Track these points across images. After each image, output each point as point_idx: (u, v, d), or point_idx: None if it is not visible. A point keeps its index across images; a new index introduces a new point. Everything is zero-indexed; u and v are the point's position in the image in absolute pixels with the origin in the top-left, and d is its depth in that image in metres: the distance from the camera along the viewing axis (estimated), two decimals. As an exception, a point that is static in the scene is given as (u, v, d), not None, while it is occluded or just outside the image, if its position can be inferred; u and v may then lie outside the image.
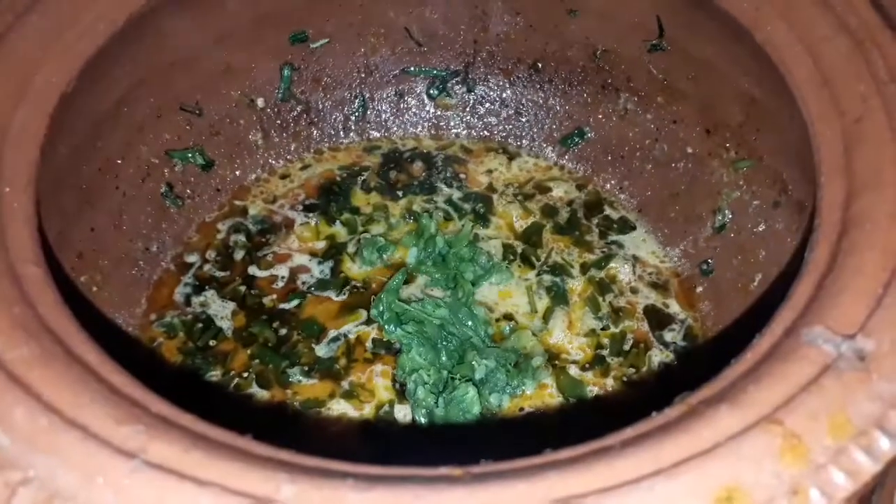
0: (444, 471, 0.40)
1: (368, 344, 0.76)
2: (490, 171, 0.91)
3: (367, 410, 0.72)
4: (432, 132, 0.94)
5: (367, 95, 0.92)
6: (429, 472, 0.40)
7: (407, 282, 0.80)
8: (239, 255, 0.82)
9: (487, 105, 0.94)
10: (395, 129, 0.94)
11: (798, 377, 0.42)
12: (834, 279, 0.47)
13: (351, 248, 0.83)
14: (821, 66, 0.60)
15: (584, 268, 0.83)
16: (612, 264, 0.83)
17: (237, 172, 0.88)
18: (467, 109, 0.94)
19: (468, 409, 0.70)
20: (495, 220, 0.86)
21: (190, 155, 0.83)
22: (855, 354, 0.43)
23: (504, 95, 0.93)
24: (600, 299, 0.80)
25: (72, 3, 0.63)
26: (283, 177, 0.89)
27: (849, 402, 0.41)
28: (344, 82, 0.91)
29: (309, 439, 0.70)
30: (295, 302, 0.79)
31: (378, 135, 0.94)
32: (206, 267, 0.82)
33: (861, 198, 0.52)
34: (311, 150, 0.91)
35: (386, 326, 0.76)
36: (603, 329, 0.78)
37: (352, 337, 0.77)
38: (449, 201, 0.87)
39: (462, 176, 0.90)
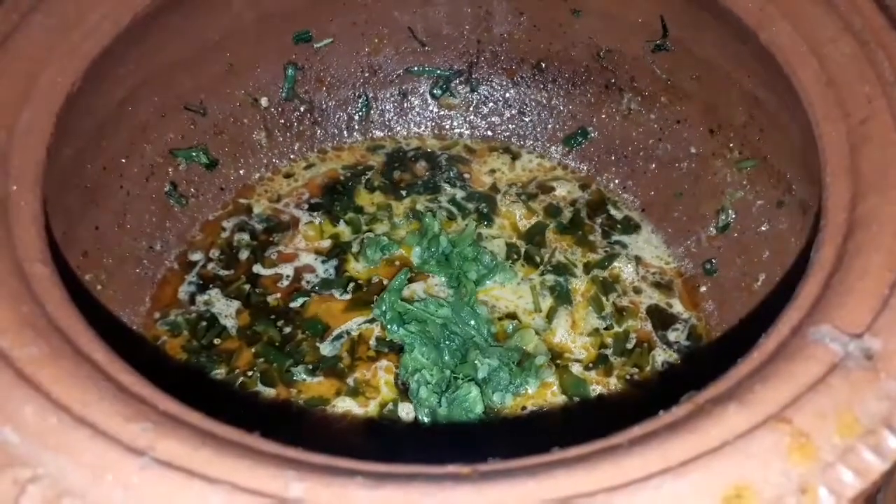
0: (451, 469, 0.40)
1: (372, 342, 0.76)
2: (493, 171, 0.91)
3: (372, 408, 0.72)
4: (436, 132, 0.94)
5: (371, 95, 0.92)
6: (437, 470, 0.40)
7: (410, 281, 0.80)
8: (244, 254, 0.82)
9: (491, 105, 0.94)
10: (399, 128, 0.94)
11: (806, 376, 0.42)
12: (840, 279, 0.47)
13: (354, 248, 0.83)
14: (826, 66, 0.60)
15: (588, 267, 0.83)
16: (615, 264, 0.83)
17: (241, 172, 0.88)
18: (471, 109, 0.94)
19: (471, 409, 0.70)
20: (499, 219, 0.86)
21: (194, 154, 0.83)
22: (862, 353, 0.43)
23: (507, 95, 0.93)
24: (604, 299, 0.80)
25: (77, 3, 0.63)
26: (288, 176, 0.89)
27: (857, 401, 0.41)
28: (347, 82, 0.91)
29: (314, 437, 0.70)
30: (299, 301, 0.79)
31: (382, 134, 0.94)
32: (210, 265, 0.82)
33: (867, 199, 0.52)
34: (315, 150, 0.91)
35: (388, 326, 0.76)
36: (606, 329, 0.78)
37: (355, 335, 0.77)
38: (452, 201, 0.87)
39: (466, 176, 0.90)
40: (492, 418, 0.72)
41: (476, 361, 0.72)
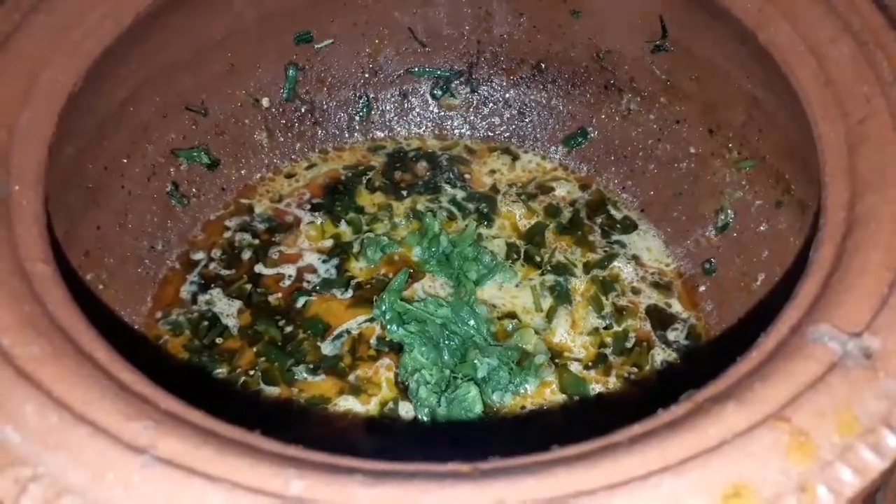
0: (451, 466, 0.40)
1: (373, 341, 0.77)
2: (493, 172, 0.91)
3: (373, 407, 0.72)
4: (436, 132, 0.95)
5: (372, 96, 0.93)
6: (437, 468, 0.40)
7: (411, 280, 0.80)
8: (246, 254, 0.83)
9: (491, 105, 0.94)
10: (400, 129, 0.94)
11: (805, 375, 0.42)
12: (839, 278, 0.48)
13: (355, 248, 0.83)
14: (824, 66, 0.60)
15: (587, 267, 0.83)
16: (614, 263, 0.83)
17: (242, 172, 0.88)
18: (471, 110, 0.94)
19: (470, 409, 0.71)
20: (499, 220, 0.87)
21: (195, 154, 0.83)
22: (861, 352, 0.43)
23: (507, 96, 0.93)
24: (603, 298, 0.80)
25: (78, 3, 0.63)
26: (289, 176, 0.90)
27: (856, 400, 0.41)
28: (348, 82, 0.91)
29: (315, 435, 0.70)
30: (300, 300, 0.79)
31: (382, 135, 0.94)
32: (212, 265, 0.82)
33: (865, 198, 0.52)
34: (316, 150, 0.92)
35: (388, 326, 0.76)
36: (606, 328, 0.79)
37: (356, 334, 0.77)
38: (453, 201, 0.88)
39: (467, 176, 0.90)
40: (491, 417, 0.72)
41: (475, 361, 0.73)
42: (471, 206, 0.87)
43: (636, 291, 0.81)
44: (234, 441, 0.41)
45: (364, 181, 0.89)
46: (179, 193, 0.83)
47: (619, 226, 0.87)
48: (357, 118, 0.93)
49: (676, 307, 0.81)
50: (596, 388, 0.75)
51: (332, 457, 0.41)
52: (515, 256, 0.83)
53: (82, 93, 0.62)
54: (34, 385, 0.42)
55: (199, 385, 0.73)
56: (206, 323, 0.77)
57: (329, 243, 0.84)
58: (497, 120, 0.94)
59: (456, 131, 0.95)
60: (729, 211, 0.80)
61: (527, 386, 0.73)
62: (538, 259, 0.83)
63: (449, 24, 0.90)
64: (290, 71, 0.87)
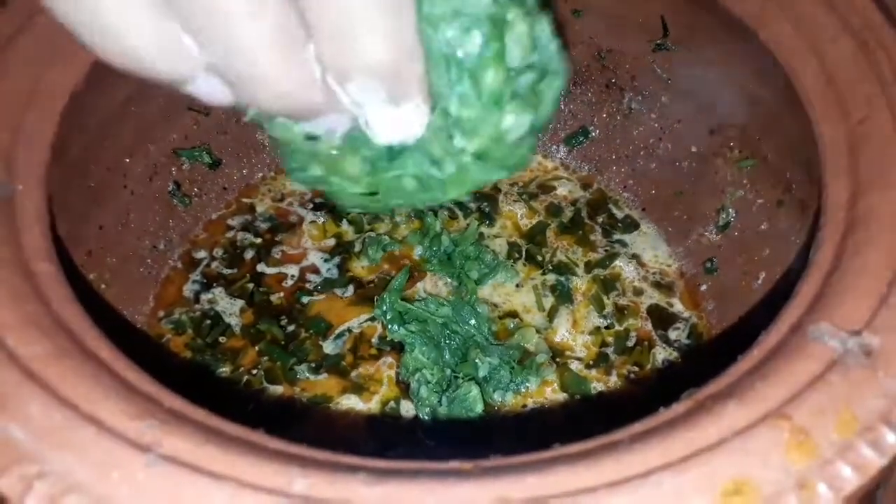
0: (453, 465, 0.40)
1: (374, 340, 0.77)
2: (495, 171, 0.91)
3: (374, 405, 0.73)
4: (437, 131, 0.95)
5: (373, 95, 0.93)
6: (439, 466, 0.40)
7: (412, 279, 0.80)
8: (248, 253, 0.83)
9: (492, 104, 0.94)
10: (401, 128, 0.94)
11: (805, 373, 0.42)
12: (839, 277, 0.48)
13: (357, 247, 0.83)
14: (825, 66, 0.60)
15: (589, 266, 0.83)
16: (616, 263, 0.83)
17: (244, 171, 0.88)
18: (472, 109, 0.94)
19: (471, 408, 0.71)
20: (500, 219, 0.87)
21: (197, 154, 0.84)
22: (861, 351, 0.43)
23: (508, 95, 0.93)
24: (605, 298, 0.81)
25: (81, 3, 0.64)
26: (290, 175, 0.90)
27: (855, 398, 0.41)
28: (350, 82, 0.91)
29: (318, 434, 0.70)
30: (303, 299, 0.79)
31: (384, 134, 0.94)
32: (214, 264, 0.82)
33: (866, 197, 0.52)
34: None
35: (389, 326, 0.76)
36: (607, 327, 0.79)
37: (357, 332, 0.77)
38: (454, 200, 0.88)
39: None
40: (493, 416, 0.72)
41: (476, 360, 0.73)
42: (472, 205, 0.88)
43: (638, 292, 0.82)
44: (237, 439, 0.41)
45: (366, 180, 0.89)
46: (181, 193, 0.83)
47: (620, 225, 0.87)
48: (358, 118, 0.93)
49: (678, 307, 0.81)
50: (597, 386, 0.75)
51: (336, 455, 0.41)
52: (517, 255, 0.84)
53: (85, 93, 0.62)
54: (39, 384, 0.43)
55: (201, 384, 0.73)
56: (208, 322, 0.77)
57: (331, 242, 0.84)
58: (498, 119, 0.94)
59: (457, 131, 0.95)
60: (730, 210, 0.80)
61: (528, 385, 0.74)
62: (540, 258, 0.83)
63: (450, 23, 0.90)
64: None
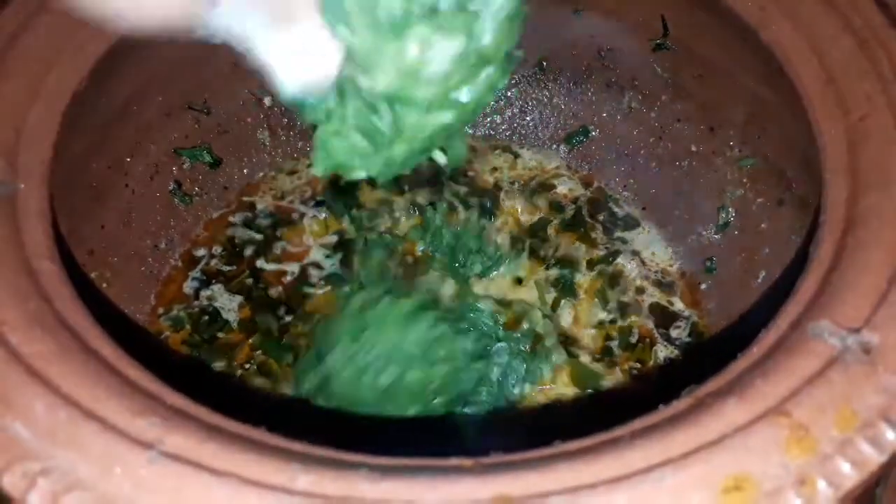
0: (455, 461, 0.41)
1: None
2: (495, 169, 0.91)
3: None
4: (438, 131, 0.95)
5: (374, 94, 0.93)
6: (440, 463, 0.40)
7: (411, 281, 0.81)
8: (248, 249, 0.83)
9: (492, 104, 0.94)
10: (402, 127, 0.94)
11: (804, 370, 0.43)
12: (839, 275, 0.48)
13: (359, 246, 0.84)
14: (826, 64, 0.61)
15: (591, 264, 0.83)
16: (618, 260, 0.83)
17: (245, 171, 0.88)
18: (473, 108, 0.95)
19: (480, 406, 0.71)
20: (502, 215, 0.87)
21: (198, 153, 0.84)
22: (861, 348, 0.43)
23: (508, 94, 0.94)
24: (609, 292, 0.81)
25: (83, 3, 0.64)
26: (291, 173, 0.90)
27: (855, 395, 0.41)
28: (350, 81, 0.91)
29: (319, 430, 0.70)
30: (302, 296, 0.79)
31: (385, 133, 0.94)
32: (214, 261, 0.82)
33: (866, 195, 0.52)
34: (319, 149, 0.92)
35: None
36: (611, 322, 0.79)
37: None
38: (456, 196, 0.88)
39: (470, 174, 0.91)
40: (494, 414, 0.72)
41: (487, 364, 0.72)
42: (473, 200, 0.88)
43: (640, 290, 0.82)
44: (239, 437, 0.41)
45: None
46: (182, 192, 0.83)
47: (620, 222, 0.87)
48: (359, 117, 0.93)
49: (679, 305, 0.81)
50: (603, 382, 0.75)
51: (338, 452, 0.41)
52: (521, 247, 0.84)
53: (87, 92, 0.62)
54: (41, 382, 0.43)
55: (203, 381, 0.73)
56: (206, 318, 0.78)
57: (332, 239, 0.84)
58: (498, 118, 0.94)
59: (458, 130, 0.95)
60: (730, 209, 0.80)
61: (542, 373, 0.74)
62: (543, 254, 0.84)
63: (451, 22, 0.90)
64: (293, 70, 0.87)
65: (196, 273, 0.81)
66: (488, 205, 0.87)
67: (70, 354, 0.44)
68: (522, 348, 0.74)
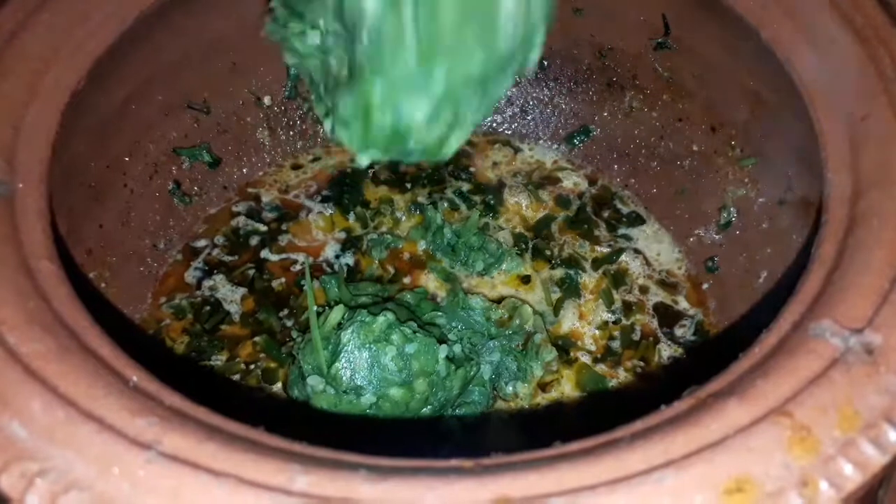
0: (454, 462, 0.40)
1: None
2: (496, 164, 0.91)
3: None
4: (438, 130, 0.95)
5: (374, 93, 0.93)
6: (440, 464, 0.40)
7: (410, 281, 0.80)
8: (253, 240, 0.83)
9: (493, 103, 0.94)
10: (402, 126, 0.94)
11: (806, 371, 0.42)
12: (841, 275, 0.48)
13: (363, 245, 0.83)
14: (826, 64, 0.60)
15: (596, 262, 0.83)
16: (622, 258, 0.83)
17: (244, 170, 0.88)
18: (473, 107, 0.94)
19: (476, 408, 0.71)
20: (505, 211, 0.87)
21: (197, 152, 0.83)
22: (863, 348, 0.43)
23: (510, 93, 0.93)
24: (614, 292, 0.81)
25: (82, 2, 0.64)
26: (296, 167, 0.90)
27: (857, 395, 0.41)
28: (350, 80, 0.91)
29: (318, 431, 0.70)
30: (304, 292, 0.79)
31: (385, 132, 0.94)
32: (216, 251, 0.82)
33: (868, 195, 0.52)
34: (318, 148, 0.92)
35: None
36: (615, 322, 0.79)
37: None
38: (458, 193, 0.88)
39: (472, 169, 0.91)
40: (496, 413, 0.72)
41: (479, 366, 0.72)
42: (476, 197, 0.88)
43: (644, 290, 0.82)
44: (238, 437, 0.41)
45: (370, 174, 0.89)
46: (181, 192, 0.83)
47: (625, 219, 0.87)
48: (359, 116, 0.93)
49: (683, 304, 0.81)
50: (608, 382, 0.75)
51: (337, 452, 0.41)
52: (523, 246, 0.84)
53: (86, 91, 0.62)
54: (40, 381, 0.43)
55: (202, 381, 0.73)
56: (208, 308, 0.78)
57: (338, 235, 0.84)
58: (499, 118, 0.94)
59: (458, 129, 0.95)
60: (731, 209, 0.80)
61: (533, 371, 0.73)
62: (548, 253, 0.83)
63: (451, 22, 0.90)
64: (292, 69, 0.87)
65: (198, 263, 0.81)
66: (492, 201, 0.87)
67: (68, 354, 0.44)
68: (514, 346, 0.74)
